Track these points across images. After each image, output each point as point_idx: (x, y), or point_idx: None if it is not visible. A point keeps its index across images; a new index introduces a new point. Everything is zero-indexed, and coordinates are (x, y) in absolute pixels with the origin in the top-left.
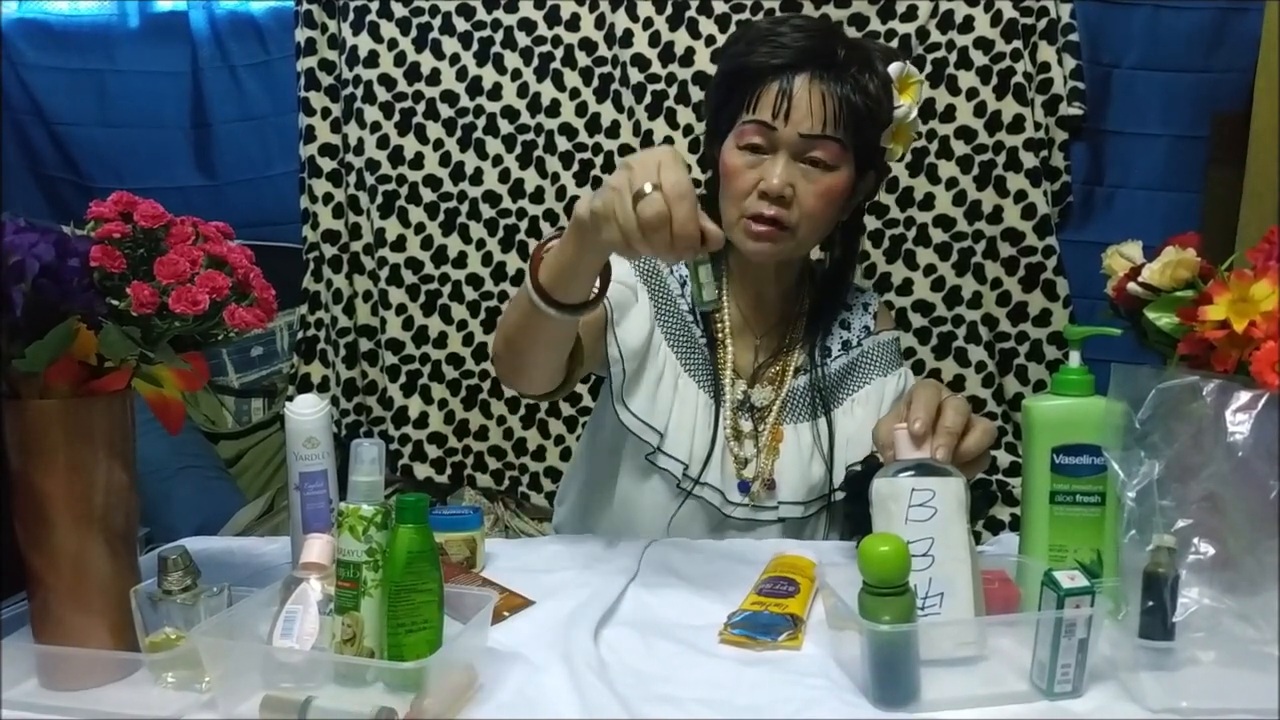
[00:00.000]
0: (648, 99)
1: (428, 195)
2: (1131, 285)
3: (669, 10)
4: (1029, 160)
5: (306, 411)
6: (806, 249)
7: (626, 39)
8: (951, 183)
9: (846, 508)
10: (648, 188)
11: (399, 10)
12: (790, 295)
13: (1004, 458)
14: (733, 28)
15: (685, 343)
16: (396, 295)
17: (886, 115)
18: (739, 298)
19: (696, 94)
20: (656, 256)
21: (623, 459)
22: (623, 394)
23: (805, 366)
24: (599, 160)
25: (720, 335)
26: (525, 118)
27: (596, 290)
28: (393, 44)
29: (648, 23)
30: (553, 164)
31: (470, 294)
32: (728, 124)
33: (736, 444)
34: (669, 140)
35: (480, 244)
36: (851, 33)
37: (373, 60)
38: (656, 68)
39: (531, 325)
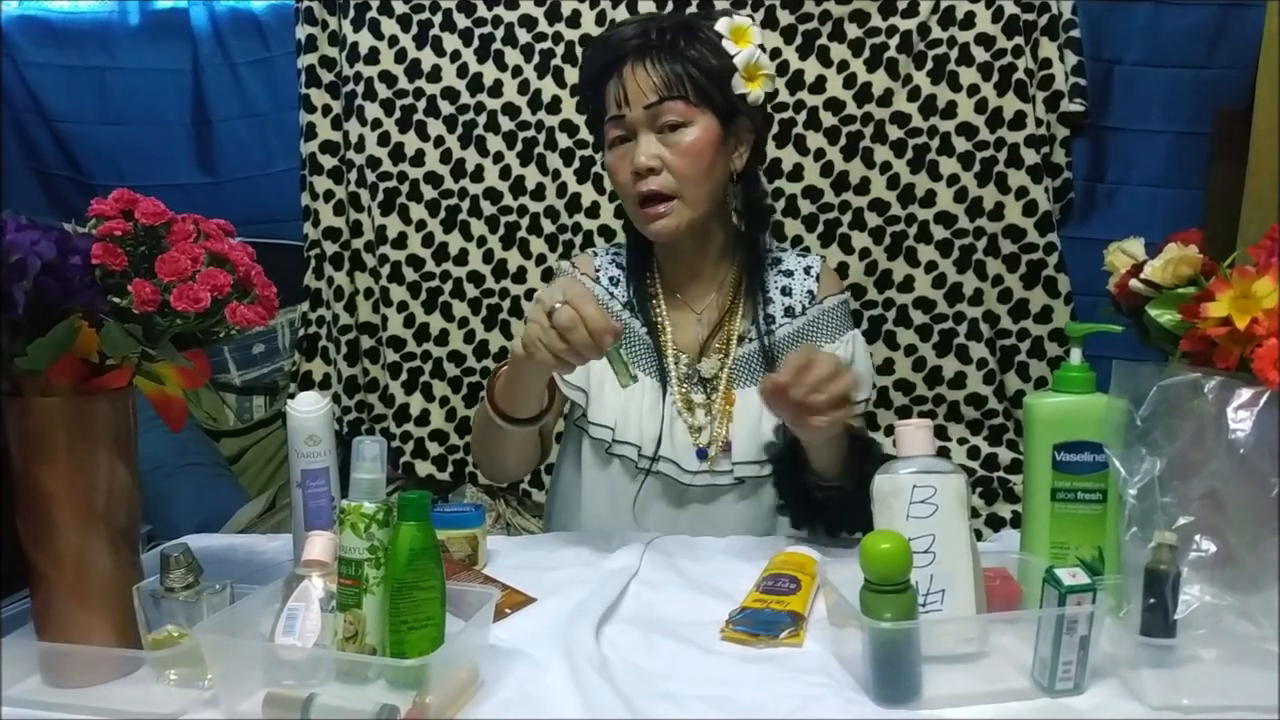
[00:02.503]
0: None
1: (429, 192)
2: (1133, 282)
3: (669, 7)
4: (1030, 157)
5: (308, 409)
6: (704, 209)
7: None
8: (953, 179)
9: (775, 481)
10: (557, 304)
11: (399, 7)
12: (720, 263)
13: (1005, 454)
14: None
15: (626, 338)
16: (398, 292)
17: (724, 66)
18: (671, 279)
19: None
20: (582, 355)
21: (583, 456)
22: (585, 414)
23: (748, 334)
24: (599, 156)
25: (658, 319)
26: (526, 114)
27: (546, 403)
28: (393, 41)
29: None
30: (553, 160)
31: (471, 291)
32: (602, 136)
33: (689, 414)
34: None
35: (481, 241)
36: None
37: (373, 57)
38: None
39: (498, 437)
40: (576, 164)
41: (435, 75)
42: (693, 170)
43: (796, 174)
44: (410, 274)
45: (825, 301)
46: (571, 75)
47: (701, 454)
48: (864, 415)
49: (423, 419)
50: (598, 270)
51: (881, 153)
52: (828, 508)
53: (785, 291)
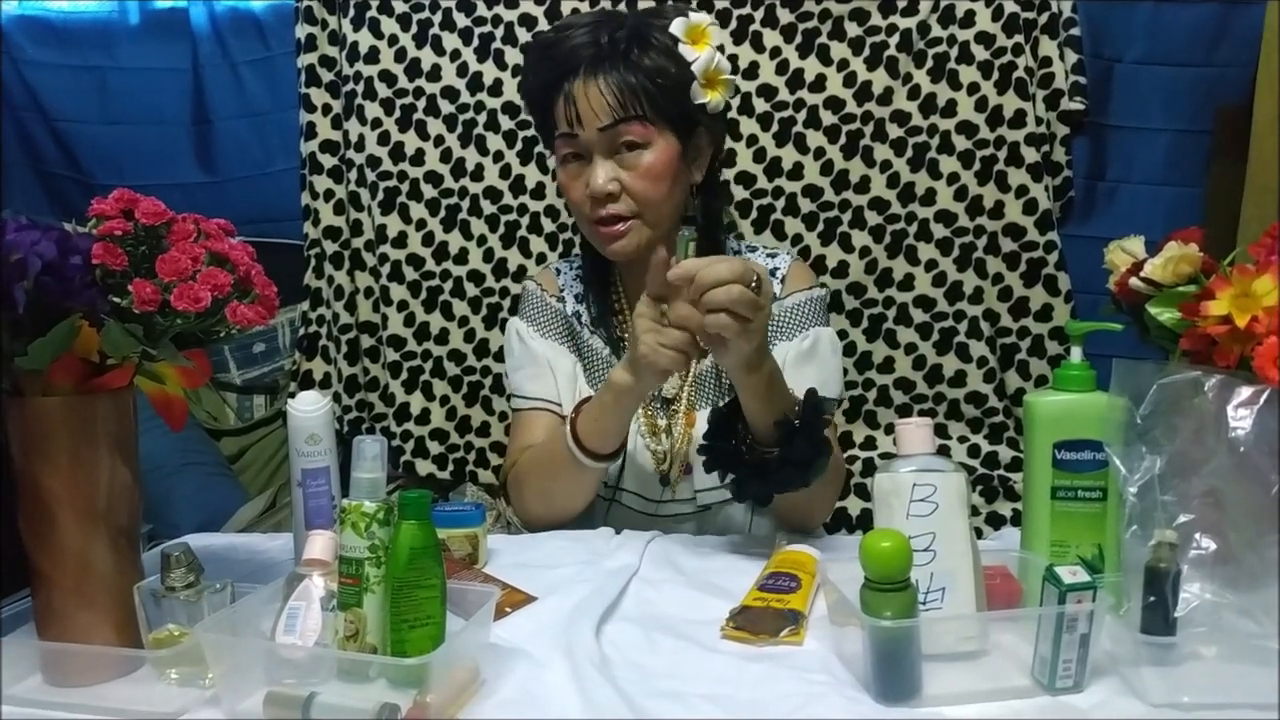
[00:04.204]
0: None
1: (429, 191)
2: (1134, 280)
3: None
4: (1030, 155)
5: (308, 408)
6: (664, 226)
7: None
8: (953, 178)
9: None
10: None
11: (399, 6)
12: None
13: (1006, 453)
14: (734, 22)
15: (594, 363)
16: (398, 291)
17: (680, 76)
18: (635, 292)
19: None
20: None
21: None
22: None
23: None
24: (548, 152)
25: (624, 337)
26: (526, 113)
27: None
28: (393, 40)
29: None
30: (554, 160)
31: (471, 290)
32: (550, 144)
33: (654, 440)
34: None
35: (481, 240)
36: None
37: (373, 56)
38: None
39: (576, 482)
40: None
41: (435, 74)
42: (652, 193)
43: (796, 172)
44: (410, 273)
45: (788, 299)
46: None
47: (665, 480)
48: (842, 411)
49: (423, 418)
50: (562, 289)
51: (881, 151)
52: (753, 472)
53: None
